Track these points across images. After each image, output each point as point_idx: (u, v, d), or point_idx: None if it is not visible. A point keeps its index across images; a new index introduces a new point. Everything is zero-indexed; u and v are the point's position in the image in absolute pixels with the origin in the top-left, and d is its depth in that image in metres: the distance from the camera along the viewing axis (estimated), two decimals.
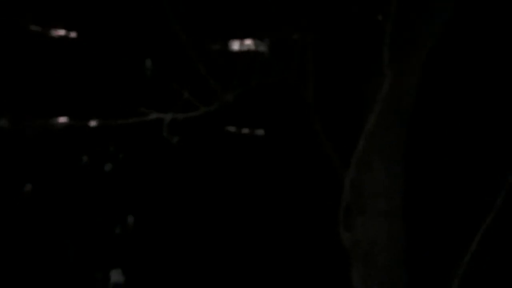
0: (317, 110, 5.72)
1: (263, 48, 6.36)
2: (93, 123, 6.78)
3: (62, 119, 6.89)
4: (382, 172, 5.41)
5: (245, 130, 7.49)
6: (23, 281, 7.23)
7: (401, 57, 5.44)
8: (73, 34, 7.16)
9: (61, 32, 7.08)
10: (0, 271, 7.17)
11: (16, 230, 7.24)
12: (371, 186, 5.35)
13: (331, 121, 5.81)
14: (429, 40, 5.59)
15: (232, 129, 7.48)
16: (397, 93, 5.43)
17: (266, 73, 6.12)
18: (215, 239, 7.44)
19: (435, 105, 7.12)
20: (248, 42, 6.54)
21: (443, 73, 7.04)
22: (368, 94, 5.55)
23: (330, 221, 5.62)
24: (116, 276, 7.39)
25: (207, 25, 6.21)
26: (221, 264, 7.42)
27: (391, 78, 5.22)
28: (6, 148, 7.12)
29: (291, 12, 5.87)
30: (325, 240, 6.51)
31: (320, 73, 5.81)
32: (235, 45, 6.59)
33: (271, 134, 7.52)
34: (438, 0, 5.52)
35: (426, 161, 7.11)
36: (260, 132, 7.52)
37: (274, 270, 7.33)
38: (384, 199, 5.36)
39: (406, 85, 5.53)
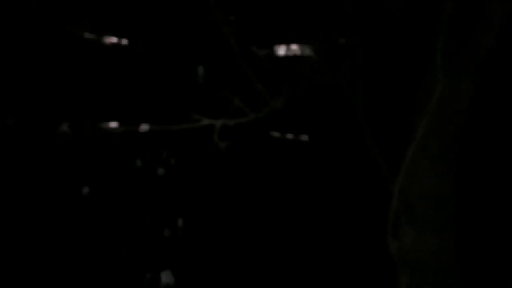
0: (365, 115, 5.30)
1: (309, 52, 6.18)
2: (147, 129, 6.79)
3: (118, 125, 6.91)
4: (432, 179, 4.96)
5: (290, 136, 7.30)
6: (77, 280, 7.16)
7: (454, 61, 4.98)
8: (125, 41, 6.88)
9: (114, 40, 6.80)
10: (56, 269, 7.10)
11: (72, 231, 7.17)
12: (421, 193, 4.90)
13: (379, 126, 5.40)
14: (484, 44, 5.11)
15: (276, 134, 7.29)
16: (450, 98, 5.01)
17: (314, 78, 5.74)
18: (263, 241, 7.29)
19: (491, 109, 6.64)
20: (294, 47, 6.33)
21: (500, 75, 6.55)
22: (419, 99, 5.14)
23: (377, 229, 5.18)
24: (166, 277, 7.13)
25: (255, 31, 5.85)
26: (268, 266, 7.26)
27: (444, 82, 4.76)
28: (65, 152, 7.06)
29: (338, 16, 5.45)
30: (371, 248, 6.09)
31: (369, 77, 5.38)
32: (281, 50, 6.26)
33: (316, 139, 7.34)
34: (493, 2, 5.02)
35: (479, 166, 6.63)
36: (304, 137, 7.30)
37: (320, 276, 6.95)
38: (434, 207, 4.93)
39: (459, 90, 5.08)
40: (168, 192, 7.37)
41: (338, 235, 7.11)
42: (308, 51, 6.17)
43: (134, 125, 6.81)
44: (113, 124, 6.96)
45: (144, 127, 6.81)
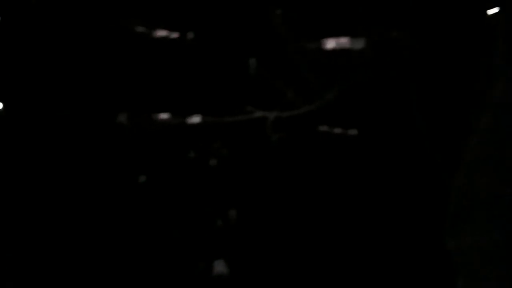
0: (421, 109, 4.87)
1: (359, 45, 5.89)
2: (201, 120, 6.62)
3: (172, 116, 6.75)
4: (494, 177, 4.44)
5: (338, 130, 7.02)
6: (132, 266, 6.98)
7: None
8: (175, 35, 6.60)
9: (165, 33, 6.51)
10: (111, 254, 6.96)
11: (128, 218, 7.03)
12: (482, 191, 4.40)
13: (435, 121, 4.95)
14: None
15: (324, 128, 7.02)
16: None
17: (368, 70, 5.36)
18: (313, 233, 7.03)
19: None
20: (344, 40, 5.96)
21: None
22: (478, 92, 4.62)
23: (432, 226, 4.73)
24: (219, 266, 6.81)
25: (306, 24, 5.50)
26: (320, 258, 6.98)
27: (507, 73, 4.26)
28: (124, 142, 6.98)
29: (393, 8, 5.06)
30: (429, 247, 5.63)
31: (425, 70, 4.96)
32: (331, 43, 5.89)
33: (366, 134, 7.00)
34: None
35: None
36: (353, 132, 7.01)
37: (377, 273, 6.59)
38: (495, 205, 4.40)
39: None
40: (220, 182, 7.18)
41: (393, 233, 6.80)
42: (359, 44, 5.87)
43: (188, 117, 6.61)
44: (168, 116, 6.78)
45: (198, 119, 6.55)
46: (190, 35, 6.84)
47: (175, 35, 6.85)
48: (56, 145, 6.89)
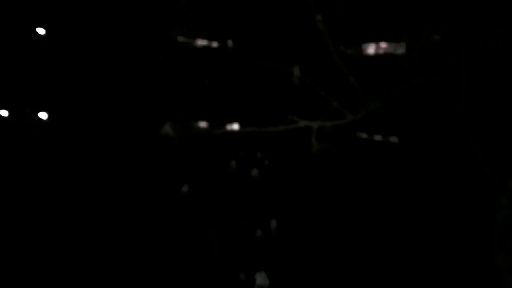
0: (469, 116, 4.72)
1: (400, 51, 5.81)
2: (242, 130, 6.56)
3: (214, 125, 6.68)
4: None
5: (378, 138, 6.83)
6: (173, 278, 6.92)
7: None
8: (215, 44, 6.74)
9: (205, 42, 6.48)
10: (149, 264, 6.89)
11: (169, 227, 6.98)
12: None
13: (485, 129, 4.78)
14: None
15: (364, 136, 6.86)
16: None
17: (414, 78, 5.22)
18: (357, 243, 6.90)
19: None
20: (384, 45, 5.95)
21: None
22: None
23: (478, 240, 4.56)
24: (260, 279, 6.68)
25: (347, 29, 5.38)
26: (364, 267, 6.85)
27: None
28: (168, 152, 6.91)
29: (441, 14, 4.93)
30: (475, 260, 5.45)
31: (473, 76, 4.81)
32: (371, 49, 5.75)
33: (410, 142, 6.81)
34: None
35: None
36: (393, 139, 6.82)
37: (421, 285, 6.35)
38: None
39: None
40: (261, 193, 7.06)
41: (437, 246, 6.62)
42: (400, 49, 5.75)
43: (231, 126, 6.55)
44: (208, 125, 6.71)
45: (240, 128, 6.44)
46: (230, 43, 6.76)
47: (215, 44, 6.82)
48: (101, 154, 6.89)
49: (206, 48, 6.79)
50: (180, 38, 6.80)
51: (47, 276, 6.68)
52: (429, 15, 5.37)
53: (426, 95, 5.80)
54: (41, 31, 6.83)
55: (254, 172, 7.09)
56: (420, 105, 6.21)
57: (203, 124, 6.72)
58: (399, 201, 6.71)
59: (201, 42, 6.78)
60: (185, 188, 6.99)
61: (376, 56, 5.90)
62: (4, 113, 6.80)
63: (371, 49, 5.96)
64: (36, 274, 6.66)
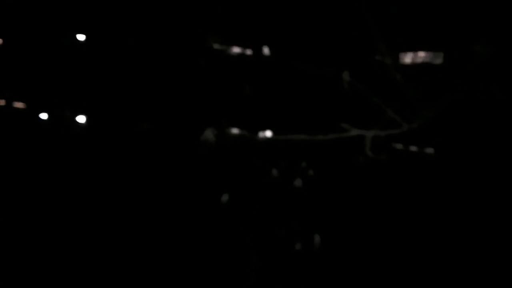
0: None
1: (438, 61, 5.72)
2: (290, 138, 6.29)
3: (258, 133, 6.57)
4: None
5: (413, 148, 6.63)
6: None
7: None
8: (249, 51, 6.76)
9: (239, 49, 6.41)
10: (185, 274, 6.74)
11: (208, 236, 6.85)
12: None
13: None
14: None
15: (399, 146, 6.65)
16: None
17: (476, 85, 5.09)
18: (401, 257, 6.71)
19: None
20: (422, 54, 5.85)
21: None
22: None
23: None
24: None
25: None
26: (407, 283, 6.64)
27: None
28: (208, 160, 6.79)
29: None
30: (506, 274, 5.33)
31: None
32: (408, 58, 5.65)
33: (444, 153, 6.62)
34: None
35: None
36: (429, 150, 6.61)
37: None
38: None
39: None
40: (305, 204, 6.84)
41: (473, 257, 6.45)
42: (438, 59, 5.66)
43: (276, 134, 6.39)
44: (252, 132, 6.57)
45: (287, 136, 6.27)
46: (266, 50, 6.64)
47: (249, 51, 6.70)
48: (140, 160, 6.83)
49: (245, 55, 6.68)
50: (216, 46, 6.70)
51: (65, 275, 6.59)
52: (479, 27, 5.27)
53: (481, 104, 5.66)
54: (81, 37, 6.88)
55: (298, 182, 6.94)
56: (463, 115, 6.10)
57: (245, 131, 6.59)
58: (445, 221, 6.52)
59: (236, 50, 6.69)
60: (224, 198, 6.85)
61: (413, 65, 5.82)
62: (44, 116, 6.83)
63: (408, 58, 5.87)
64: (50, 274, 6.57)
